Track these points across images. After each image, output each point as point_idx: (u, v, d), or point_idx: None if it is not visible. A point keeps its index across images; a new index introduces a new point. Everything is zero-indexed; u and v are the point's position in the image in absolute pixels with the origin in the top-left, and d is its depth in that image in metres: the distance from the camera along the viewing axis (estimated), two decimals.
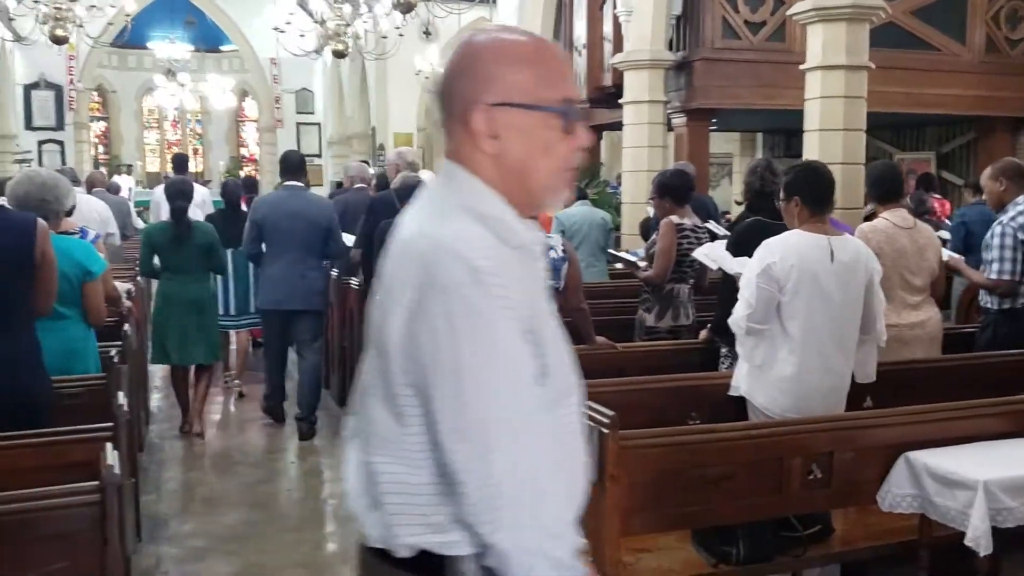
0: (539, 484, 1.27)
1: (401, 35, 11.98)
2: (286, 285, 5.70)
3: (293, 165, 6.03)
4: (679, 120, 9.88)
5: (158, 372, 7.25)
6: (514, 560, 1.27)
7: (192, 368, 5.92)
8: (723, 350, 4.17)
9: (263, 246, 5.79)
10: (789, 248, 3.33)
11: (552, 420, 1.34)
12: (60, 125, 21.05)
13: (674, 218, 4.63)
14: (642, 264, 4.91)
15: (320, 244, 5.78)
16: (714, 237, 4.87)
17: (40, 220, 3.03)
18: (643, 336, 4.79)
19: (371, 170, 8.80)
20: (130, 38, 17.67)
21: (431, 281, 1.26)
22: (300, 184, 5.96)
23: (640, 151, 9.76)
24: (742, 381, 3.46)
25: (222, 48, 24.01)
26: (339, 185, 10.63)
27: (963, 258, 4.87)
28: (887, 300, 4.19)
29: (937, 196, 9.32)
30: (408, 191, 5.01)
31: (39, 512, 2.12)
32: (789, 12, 7.65)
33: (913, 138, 13.11)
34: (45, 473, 2.47)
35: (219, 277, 6.48)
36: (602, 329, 4.44)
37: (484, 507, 1.26)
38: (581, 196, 7.24)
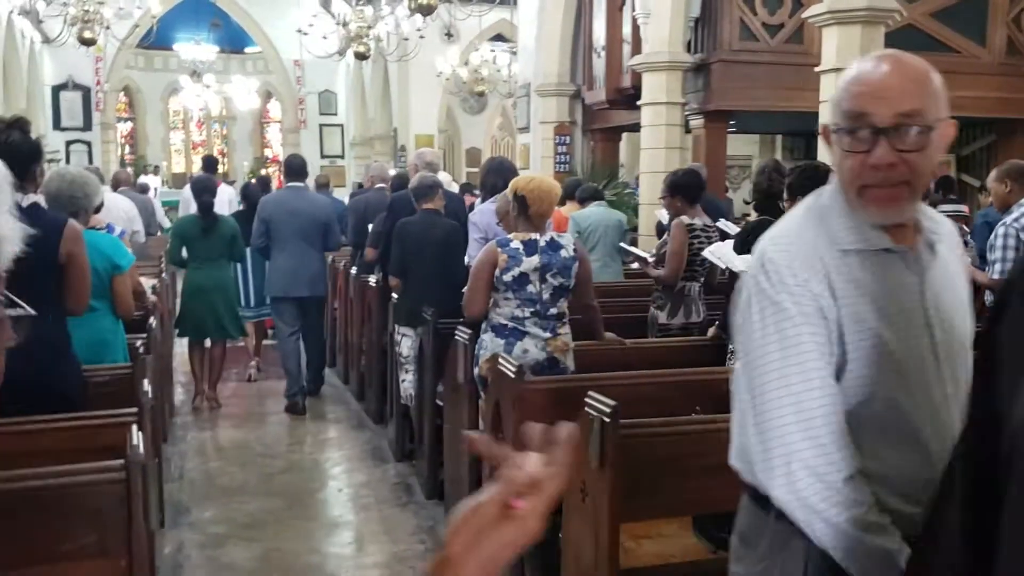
0: (811, 456, 1.46)
1: (422, 37, 12.14)
2: (292, 275, 6.30)
3: (295, 168, 6.68)
4: (697, 122, 9.95)
5: (180, 368, 7.44)
6: (792, 513, 1.49)
7: (208, 346, 6.48)
8: (731, 346, 4.25)
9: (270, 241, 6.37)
10: None
11: (839, 402, 1.50)
12: (87, 126, 21.39)
13: (684, 218, 4.72)
14: (651, 260, 5.00)
15: (320, 238, 6.39)
16: (724, 236, 4.95)
17: (71, 222, 3.10)
18: (656, 333, 4.88)
19: (391, 171, 8.94)
20: (156, 40, 17.96)
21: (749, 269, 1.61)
22: (302, 184, 6.69)
23: (658, 152, 9.83)
24: None
25: (246, 50, 24.28)
26: (360, 186, 10.78)
27: (968, 259, 4.92)
28: None
29: (953, 198, 9.31)
30: (424, 190, 5.12)
31: (68, 489, 2.25)
32: (804, 15, 7.71)
33: None
34: (74, 455, 2.59)
35: (239, 272, 7.00)
36: (616, 326, 4.53)
37: (761, 463, 1.53)
38: (596, 197, 7.33)
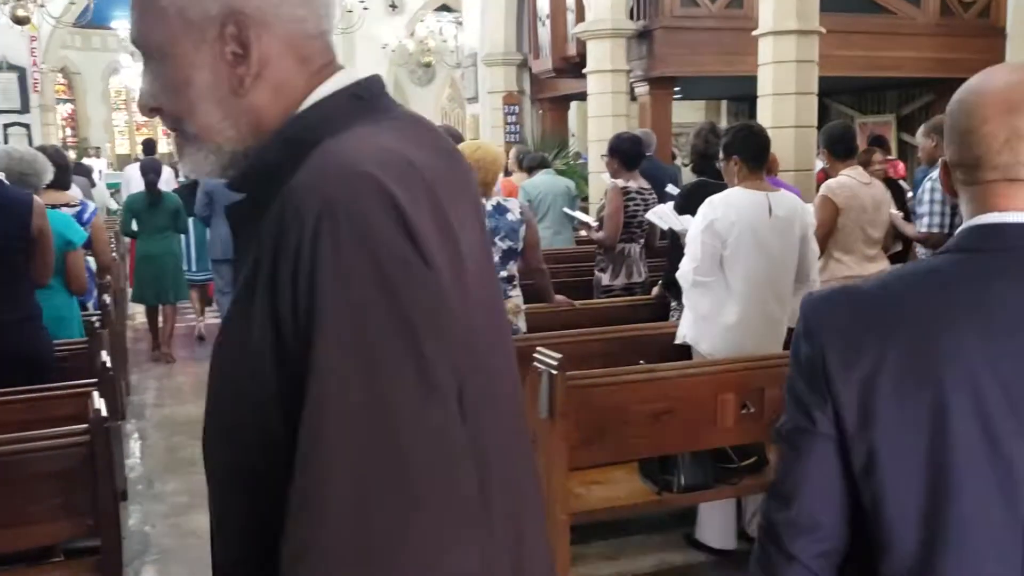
0: None
1: (365, 8, 12.08)
2: (231, 240, 6.87)
3: None
4: (642, 89, 10.07)
5: (132, 349, 7.47)
6: None
7: (161, 308, 7.34)
8: (673, 303, 4.42)
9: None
10: (730, 204, 3.57)
11: None
12: (25, 108, 20.81)
13: (619, 181, 4.86)
14: (594, 224, 5.15)
15: None
16: (667, 198, 5.10)
17: (36, 198, 3.28)
18: (601, 295, 5.03)
19: None
20: (94, 18, 17.52)
21: None
22: None
23: (604, 120, 9.95)
24: (688, 330, 3.71)
25: None
26: None
27: (900, 213, 5.12)
28: (850, 252, 4.47)
29: (890, 157, 9.59)
30: None
31: (34, 453, 2.33)
32: None
33: (874, 101, 13.38)
34: (37, 425, 2.67)
35: (183, 240, 7.81)
36: (565, 290, 4.68)
37: None
38: (543, 165, 7.44)
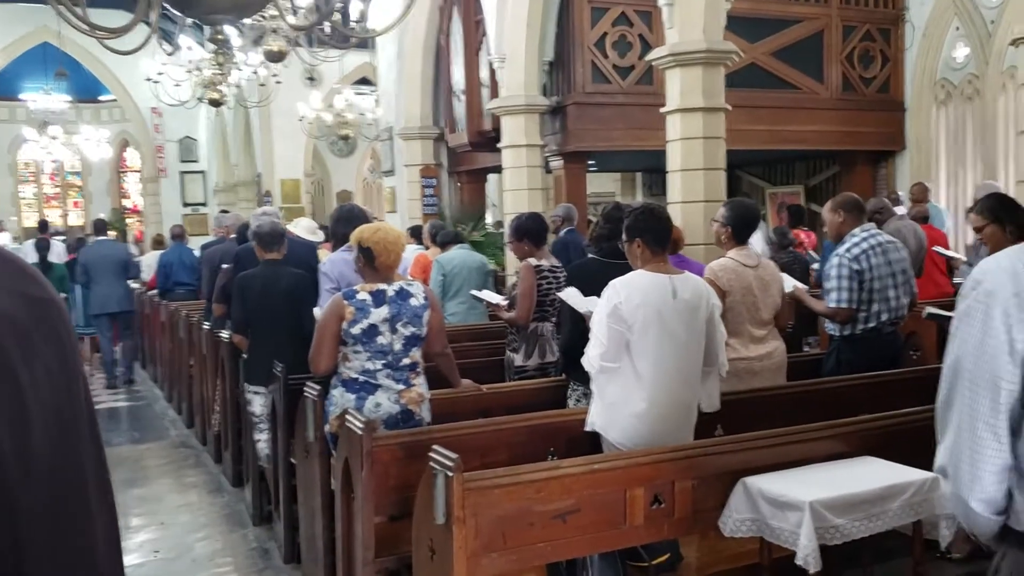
0: None
1: (279, 82, 11.95)
2: (107, 297, 9.70)
3: (100, 227, 10.63)
4: (556, 163, 10.12)
5: None
6: None
7: None
8: (571, 383, 4.28)
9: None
10: (634, 288, 3.47)
11: None
12: None
13: (532, 260, 4.76)
14: (503, 304, 5.02)
15: (123, 271, 9.89)
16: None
17: None
18: (513, 376, 4.88)
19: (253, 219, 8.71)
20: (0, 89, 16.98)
21: None
22: (106, 237, 10.54)
23: (520, 193, 9.95)
24: (596, 417, 3.56)
25: (101, 98, 23.38)
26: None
27: (806, 288, 5.09)
28: (736, 335, 4.38)
29: (805, 228, 9.79)
30: (270, 239, 4.96)
31: None
32: (648, 57, 7.96)
33: (783, 173, 13.74)
34: None
35: (73, 301, 10.50)
36: (474, 371, 4.49)
37: None
38: (458, 240, 7.33)
